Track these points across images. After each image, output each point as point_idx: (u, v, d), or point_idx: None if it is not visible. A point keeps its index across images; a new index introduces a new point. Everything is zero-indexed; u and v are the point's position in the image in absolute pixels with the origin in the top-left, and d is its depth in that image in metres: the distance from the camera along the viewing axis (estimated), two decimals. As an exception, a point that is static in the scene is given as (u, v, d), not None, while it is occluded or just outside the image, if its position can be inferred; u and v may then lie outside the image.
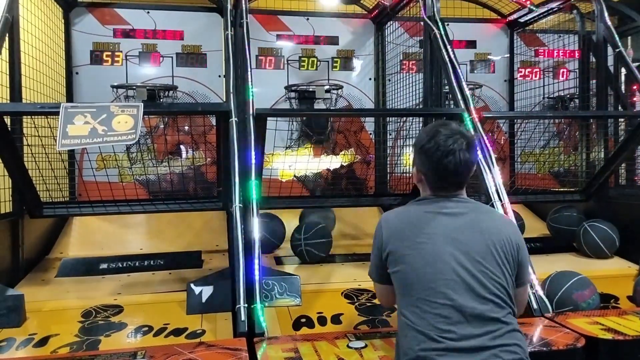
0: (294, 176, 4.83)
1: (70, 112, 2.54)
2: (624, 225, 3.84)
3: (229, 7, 3.65)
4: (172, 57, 4.84)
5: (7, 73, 3.36)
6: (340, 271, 3.58)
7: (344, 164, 5.18)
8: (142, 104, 2.68)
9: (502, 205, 3.01)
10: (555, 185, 4.98)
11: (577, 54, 4.99)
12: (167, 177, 4.68)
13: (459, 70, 3.53)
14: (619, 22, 4.60)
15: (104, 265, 3.64)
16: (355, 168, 5.21)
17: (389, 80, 5.09)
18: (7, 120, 2.83)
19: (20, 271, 3.43)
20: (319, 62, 5.13)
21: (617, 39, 4.05)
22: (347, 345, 2.10)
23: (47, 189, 3.56)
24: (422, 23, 4.00)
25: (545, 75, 5.34)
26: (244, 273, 2.47)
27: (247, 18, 3.45)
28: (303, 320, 2.73)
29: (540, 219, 4.73)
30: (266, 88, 4.85)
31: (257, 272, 2.51)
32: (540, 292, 2.66)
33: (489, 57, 5.49)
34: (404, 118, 4.71)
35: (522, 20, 5.36)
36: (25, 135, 3.29)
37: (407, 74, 4.71)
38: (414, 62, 4.85)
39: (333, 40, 5.18)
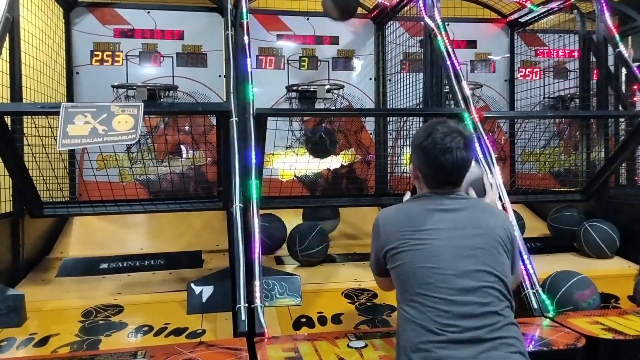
0: (294, 176, 4.83)
1: (70, 112, 2.54)
2: (624, 225, 3.84)
3: (229, 7, 3.65)
4: (172, 57, 4.83)
5: (8, 73, 3.36)
6: (340, 271, 3.58)
7: (345, 164, 5.18)
8: (143, 103, 2.67)
9: (503, 205, 3.01)
10: (555, 185, 4.97)
11: (577, 54, 4.98)
12: (168, 177, 4.68)
13: (459, 70, 3.53)
14: (619, 22, 4.59)
15: (104, 265, 3.65)
16: (356, 168, 5.21)
17: (389, 80, 5.09)
18: (8, 120, 2.83)
19: (20, 271, 3.43)
20: (319, 62, 5.13)
21: (618, 38, 4.05)
22: (348, 345, 2.10)
23: (47, 189, 3.55)
24: (422, 23, 4.01)
25: (546, 75, 5.34)
26: (244, 273, 2.46)
27: (247, 18, 3.45)
28: (303, 320, 2.73)
29: (540, 218, 4.72)
30: (266, 88, 4.85)
31: (257, 272, 2.50)
32: (541, 292, 2.66)
33: (489, 57, 5.49)
34: (405, 118, 4.71)
35: (522, 20, 5.35)
36: (26, 135, 3.28)
37: (408, 74, 4.71)
38: (414, 62, 4.85)
39: (333, 40, 5.17)
